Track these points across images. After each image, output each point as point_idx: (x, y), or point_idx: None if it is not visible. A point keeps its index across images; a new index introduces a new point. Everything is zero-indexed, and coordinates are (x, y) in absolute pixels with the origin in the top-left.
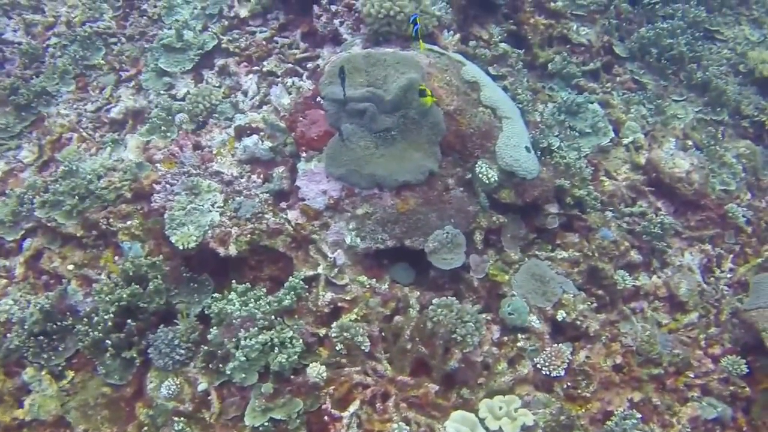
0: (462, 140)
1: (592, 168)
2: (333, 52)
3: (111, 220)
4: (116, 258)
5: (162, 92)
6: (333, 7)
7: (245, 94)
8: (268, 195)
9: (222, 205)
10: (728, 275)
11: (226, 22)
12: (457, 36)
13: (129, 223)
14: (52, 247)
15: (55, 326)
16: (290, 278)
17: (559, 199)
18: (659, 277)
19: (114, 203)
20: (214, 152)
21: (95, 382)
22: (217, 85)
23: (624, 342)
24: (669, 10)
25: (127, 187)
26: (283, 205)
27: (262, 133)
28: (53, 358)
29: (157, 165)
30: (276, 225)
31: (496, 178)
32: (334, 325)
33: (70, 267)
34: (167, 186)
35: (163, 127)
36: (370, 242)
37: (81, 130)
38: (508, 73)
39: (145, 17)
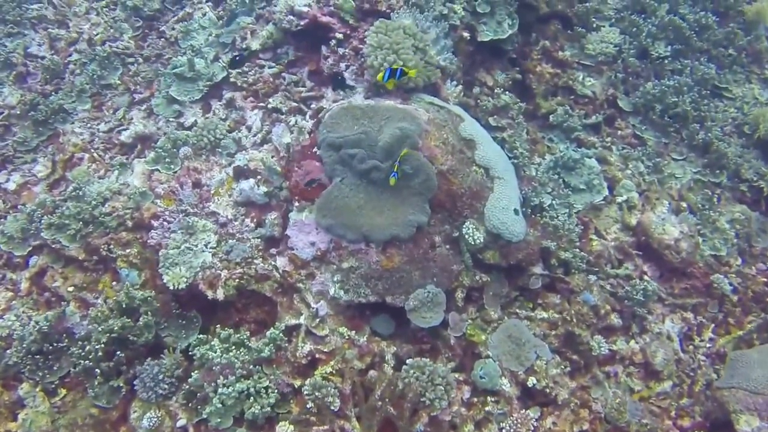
0: (452, 199)
1: (582, 227)
2: (337, 94)
3: (112, 246)
4: (114, 283)
5: (171, 119)
6: (340, 50)
7: (249, 129)
8: (259, 240)
9: (215, 246)
10: (708, 345)
11: (237, 55)
12: (460, 88)
13: (128, 251)
14: (56, 266)
15: (51, 347)
16: (271, 329)
17: (545, 260)
18: (637, 343)
19: (116, 230)
20: (213, 192)
21: (85, 403)
22: (223, 117)
23: (593, 408)
24: (678, 65)
25: (129, 215)
26: (273, 251)
27: (259, 177)
28: (48, 375)
29: (157, 201)
30: (264, 270)
31: (482, 240)
32: (307, 383)
33: (70, 288)
34: (165, 223)
35: (167, 159)
36: (352, 295)
37: (92, 150)
38: (508, 125)
39: (162, 39)
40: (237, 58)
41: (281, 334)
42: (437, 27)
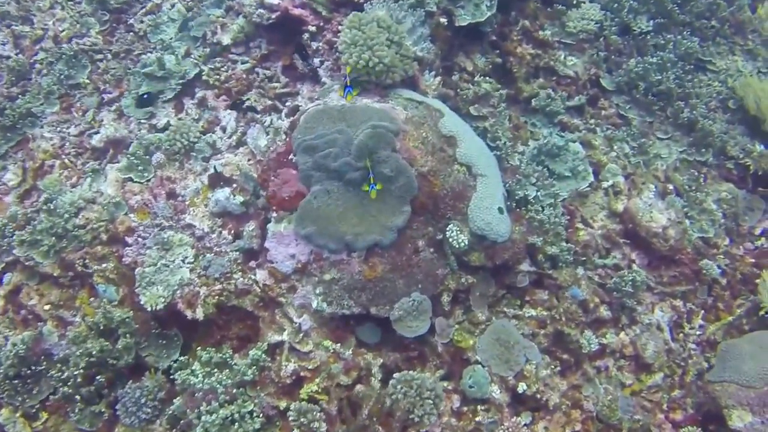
0: (434, 201)
1: (568, 217)
2: (312, 90)
3: (87, 261)
4: (91, 299)
5: (143, 120)
6: (314, 44)
7: (224, 130)
8: (237, 253)
9: (192, 261)
10: (698, 332)
11: (208, 50)
12: (438, 79)
13: (104, 265)
14: (30, 283)
15: (30, 370)
16: (253, 350)
17: (531, 255)
18: (627, 335)
19: (90, 244)
20: (188, 202)
21: (67, 427)
22: (196, 117)
23: (585, 407)
24: (660, 40)
25: (103, 228)
26: (253, 263)
27: (234, 186)
28: (28, 400)
29: (131, 216)
30: (244, 285)
31: (467, 243)
32: (292, 407)
33: (47, 307)
34: (139, 239)
35: (140, 167)
36: (336, 308)
37: (63, 156)
38: (490, 114)
39: (131, 33)
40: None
41: (264, 355)
42: (413, 15)
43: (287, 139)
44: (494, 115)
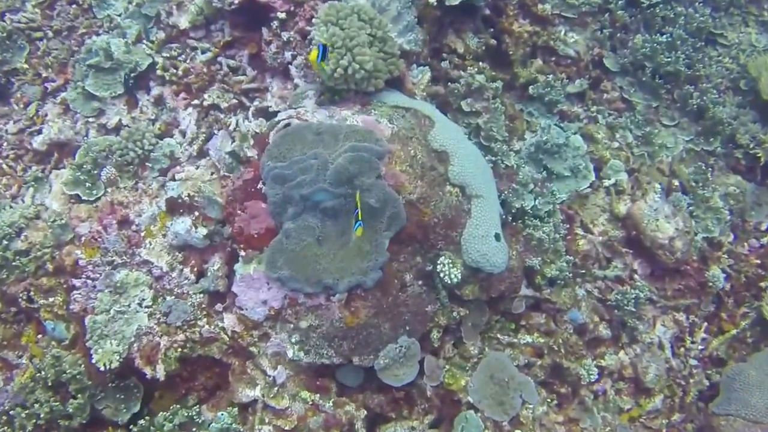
0: (424, 230)
1: (567, 226)
2: (283, 88)
3: (32, 294)
4: (39, 336)
5: (90, 119)
6: (285, 34)
7: (183, 134)
8: (202, 295)
9: (151, 303)
10: (700, 347)
11: (164, 35)
12: (428, 76)
13: (52, 299)
14: None
15: None
16: (222, 414)
17: (529, 278)
18: (626, 354)
19: (35, 274)
20: (143, 232)
21: None
22: (152, 117)
23: None
24: (670, 13)
25: (48, 255)
26: (219, 307)
27: (196, 214)
28: None
29: (77, 252)
30: (210, 333)
31: (460, 279)
32: None
33: None
34: (88, 281)
35: (88, 183)
36: (314, 357)
37: (0, 160)
38: (484, 109)
39: (74, 5)
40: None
41: (234, 425)
42: (398, 1)
43: (256, 157)
44: (489, 111)
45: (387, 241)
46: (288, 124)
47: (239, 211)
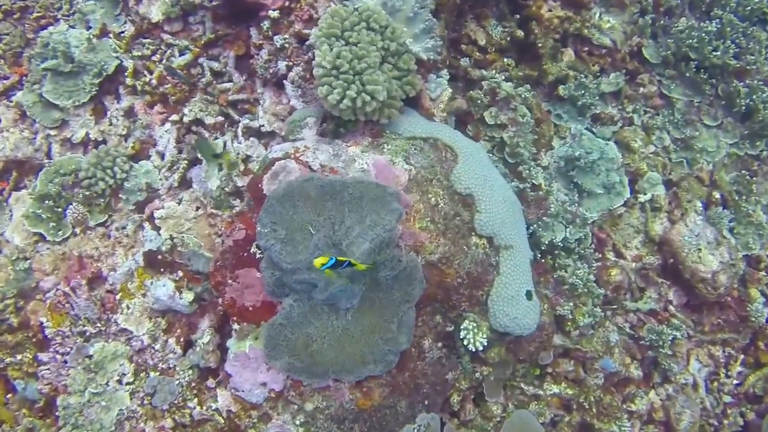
0: (446, 291)
1: (599, 255)
2: (277, 102)
3: None
4: (8, 397)
5: (52, 132)
6: (278, 39)
7: (162, 156)
8: (191, 372)
9: (132, 379)
10: (735, 381)
11: (133, 29)
12: (448, 92)
13: (20, 357)
14: None
15: None
16: None
17: (558, 323)
18: (658, 395)
19: None
20: (119, 294)
21: None
22: (122, 133)
23: None
24: None
25: (11, 307)
26: (212, 383)
27: (180, 274)
28: None
29: (42, 320)
30: (203, 416)
31: (485, 345)
32: None
33: None
34: (57, 356)
35: (51, 223)
36: None
37: None
38: (510, 121)
39: None
40: None
41: None
42: None
43: (246, 208)
44: (516, 123)
45: (412, 315)
46: (285, 165)
47: (230, 281)
